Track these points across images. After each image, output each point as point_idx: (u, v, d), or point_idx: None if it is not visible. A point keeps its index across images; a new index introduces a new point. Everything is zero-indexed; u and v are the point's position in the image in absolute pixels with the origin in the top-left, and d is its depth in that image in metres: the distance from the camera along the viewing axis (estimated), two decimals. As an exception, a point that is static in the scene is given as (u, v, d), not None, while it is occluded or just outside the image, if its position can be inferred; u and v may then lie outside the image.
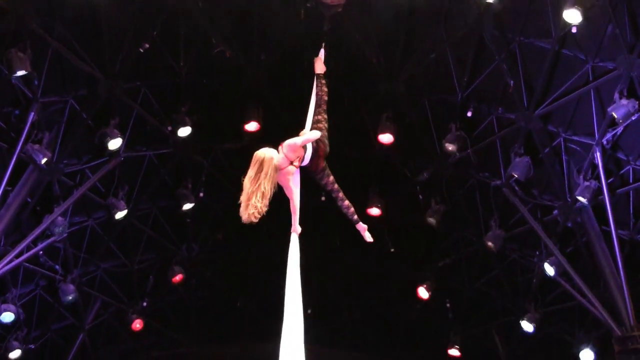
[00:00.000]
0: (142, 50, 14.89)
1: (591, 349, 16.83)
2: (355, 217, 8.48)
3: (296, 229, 8.30)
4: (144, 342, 20.68)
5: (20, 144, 14.42)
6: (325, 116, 8.56)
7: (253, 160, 7.85)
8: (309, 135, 8.23)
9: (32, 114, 14.43)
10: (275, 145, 8.17)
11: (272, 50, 15.78)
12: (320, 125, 8.46)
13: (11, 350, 17.09)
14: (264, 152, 7.86)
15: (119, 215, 16.84)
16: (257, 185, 7.70)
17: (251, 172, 7.82)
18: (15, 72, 13.51)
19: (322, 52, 9.55)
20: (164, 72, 15.90)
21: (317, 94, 8.77)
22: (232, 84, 16.34)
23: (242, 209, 7.71)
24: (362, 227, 8.65)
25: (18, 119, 14.58)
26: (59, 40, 14.23)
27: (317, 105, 8.66)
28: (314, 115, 8.59)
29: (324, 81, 8.90)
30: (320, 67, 9.16)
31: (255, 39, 15.61)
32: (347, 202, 8.39)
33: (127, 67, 15.11)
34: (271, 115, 16.60)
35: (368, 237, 8.74)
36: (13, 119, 14.59)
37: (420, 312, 20.32)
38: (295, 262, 8.02)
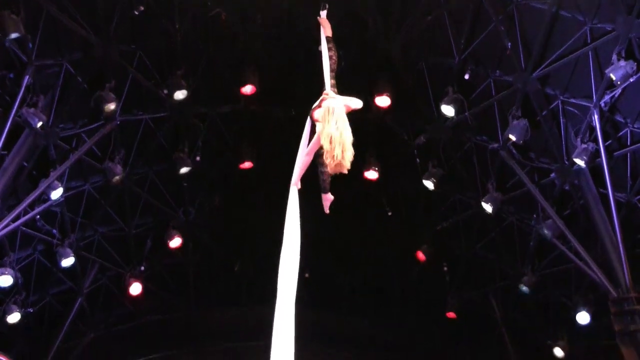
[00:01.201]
0: (137, 13, 14.78)
1: (587, 311, 16.94)
2: (328, 187, 8.45)
3: (298, 182, 8.24)
4: (141, 306, 20.72)
5: (15, 107, 14.33)
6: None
7: (326, 112, 7.82)
8: (358, 102, 8.25)
9: (27, 77, 14.34)
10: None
11: (268, 12, 15.64)
12: (335, 90, 8.44)
13: (10, 314, 17.16)
14: (333, 101, 7.91)
15: (116, 179, 16.81)
16: (342, 132, 7.67)
17: (331, 121, 7.75)
18: (9, 35, 13.43)
19: (324, 13, 9.46)
20: (159, 36, 15.77)
21: (330, 58, 8.69)
22: (228, 47, 16.25)
23: (337, 164, 7.64)
24: (328, 198, 8.61)
25: (13, 83, 14.49)
26: (53, 3, 14.10)
27: (331, 70, 8.61)
28: (330, 80, 8.53)
29: (333, 45, 8.83)
30: (329, 29, 9.07)
31: (250, 0, 15.49)
32: (328, 171, 8.36)
33: (122, 31, 15.02)
34: (267, 77, 16.53)
35: (327, 209, 8.69)
36: (8, 83, 14.51)
37: (418, 275, 20.39)
38: (295, 216, 7.98)
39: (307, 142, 8.18)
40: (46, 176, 15.78)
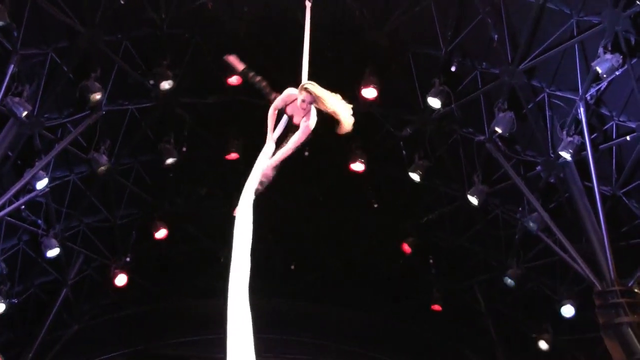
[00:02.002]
0: (122, 2, 14.68)
1: (572, 303, 17.01)
2: (263, 185, 8.38)
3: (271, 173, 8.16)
4: (127, 296, 20.69)
5: (0, 96, 14.23)
6: None
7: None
8: None
9: (12, 66, 14.23)
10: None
11: (254, 1, 15.57)
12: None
13: (-6, 305, 17.10)
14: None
15: (101, 169, 16.74)
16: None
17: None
18: (-6, 23, 13.33)
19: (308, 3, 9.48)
20: (145, 25, 15.68)
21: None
22: (215, 37, 16.17)
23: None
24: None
25: (-3, 71, 14.41)
26: (37, -10, 14.01)
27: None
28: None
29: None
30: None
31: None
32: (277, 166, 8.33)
33: (107, 19, 14.90)
34: (254, 68, 16.43)
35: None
36: (-8, 71, 14.42)
37: (403, 267, 20.41)
38: (249, 190, 7.91)
39: (274, 132, 8.17)
40: (31, 166, 15.70)
